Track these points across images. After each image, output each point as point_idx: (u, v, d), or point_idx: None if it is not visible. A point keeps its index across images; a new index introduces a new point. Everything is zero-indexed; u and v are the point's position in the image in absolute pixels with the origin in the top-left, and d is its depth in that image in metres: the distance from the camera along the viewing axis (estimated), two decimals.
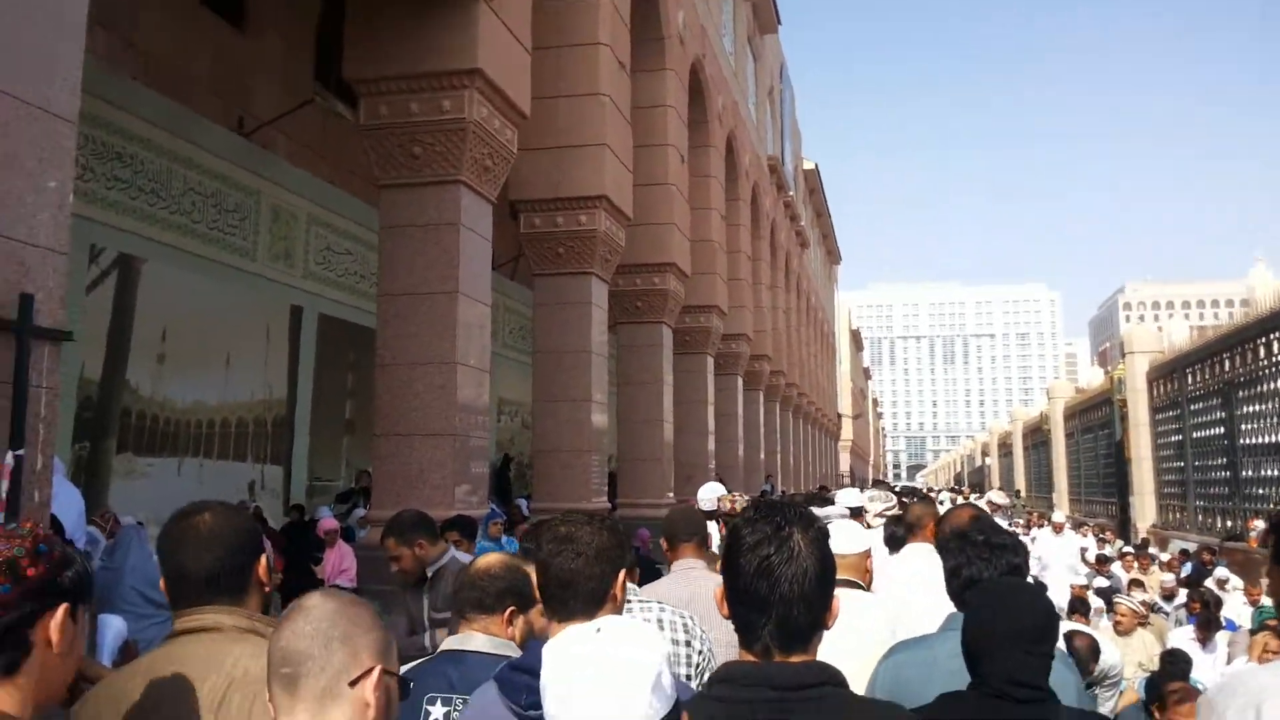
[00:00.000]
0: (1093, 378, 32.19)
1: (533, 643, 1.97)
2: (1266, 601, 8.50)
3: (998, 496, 25.95)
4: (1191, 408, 16.43)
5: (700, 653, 2.95)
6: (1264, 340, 13.00)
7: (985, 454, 55.46)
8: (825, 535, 1.66)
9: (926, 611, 3.03)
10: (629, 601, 2.80)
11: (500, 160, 7.43)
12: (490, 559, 2.64)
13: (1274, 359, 12.70)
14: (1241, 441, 14.18)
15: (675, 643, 2.93)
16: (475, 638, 2.46)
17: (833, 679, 1.58)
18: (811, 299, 36.47)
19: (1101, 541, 16.35)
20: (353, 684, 1.40)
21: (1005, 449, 44.50)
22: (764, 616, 1.58)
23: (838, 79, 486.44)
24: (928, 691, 2.17)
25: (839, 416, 53.91)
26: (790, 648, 1.58)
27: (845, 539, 3.38)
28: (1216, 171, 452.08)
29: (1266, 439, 13.46)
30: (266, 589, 1.96)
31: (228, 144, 10.81)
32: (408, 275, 6.96)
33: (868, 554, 3.56)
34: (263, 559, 1.95)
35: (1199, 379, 15.94)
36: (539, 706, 1.65)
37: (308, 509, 10.86)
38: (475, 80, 6.90)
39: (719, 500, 7.55)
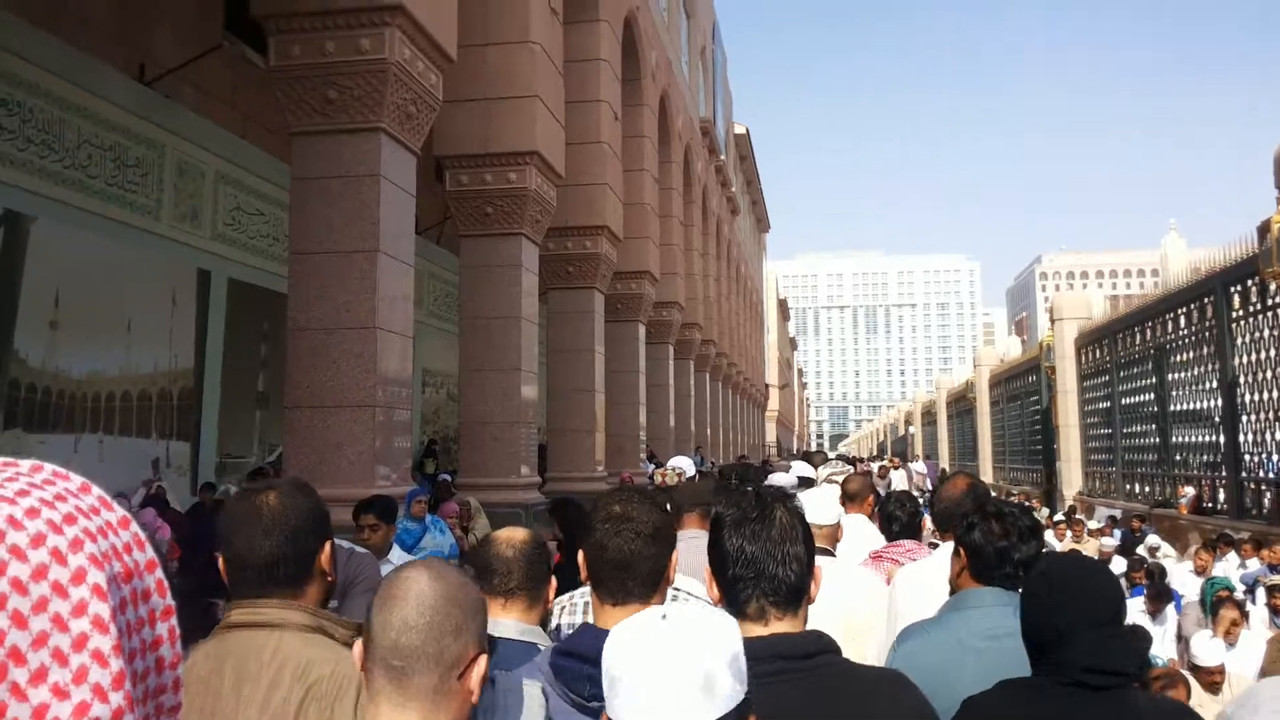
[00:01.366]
0: (1010, 346, 32.62)
1: (585, 627, 1.88)
2: (1218, 571, 8.41)
3: (919, 466, 26.08)
4: (1121, 374, 16.49)
5: None
6: (1196, 305, 12.97)
7: (909, 423, 56.16)
8: (800, 509, 1.75)
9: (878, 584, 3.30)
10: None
11: (424, 107, 6.84)
12: (516, 533, 2.42)
13: (1206, 323, 12.67)
14: (1172, 408, 14.23)
15: None
16: (506, 624, 2.26)
17: (830, 647, 1.64)
18: (741, 267, 36.23)
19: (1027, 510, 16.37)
20: (460, 676, 1.35)
21: (929, 418, 45.02)
22: (754, 573, 1.64)
23: (765, 42, 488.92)
24: (961, 679, 2.04)
25: (766, 387, 54.05)
26: (781, 607, 1.64)
27: (819, 509, 3.42)
28: (1130, 144, 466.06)
29: (1194, 405, 13.51)
30: (330, 579, 1.88)
31: (128, 94, 9.96)
32: (323, 231, 6.36)
33: (839, 525, 3.64)
34: (327, 546, 1.86)
35: (1130, 344, 15.97)
36: (602, 698, 1.65)
37: (219, 488, 10.19)
38: (397, 18, 6.30)
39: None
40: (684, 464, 7.12)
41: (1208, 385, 12.83)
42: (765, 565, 1.64)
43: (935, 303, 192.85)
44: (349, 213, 6.35)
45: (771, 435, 59.06)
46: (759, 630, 1.63)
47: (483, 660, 1.38)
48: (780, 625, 1.64)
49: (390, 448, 6.56)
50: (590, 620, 1.91)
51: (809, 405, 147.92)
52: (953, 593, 2.51)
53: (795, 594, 1.66)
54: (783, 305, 75.57)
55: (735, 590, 1.66)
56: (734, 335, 32.06)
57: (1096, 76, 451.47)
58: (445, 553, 6.74)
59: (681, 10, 22.27)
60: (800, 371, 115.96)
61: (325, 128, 6.42)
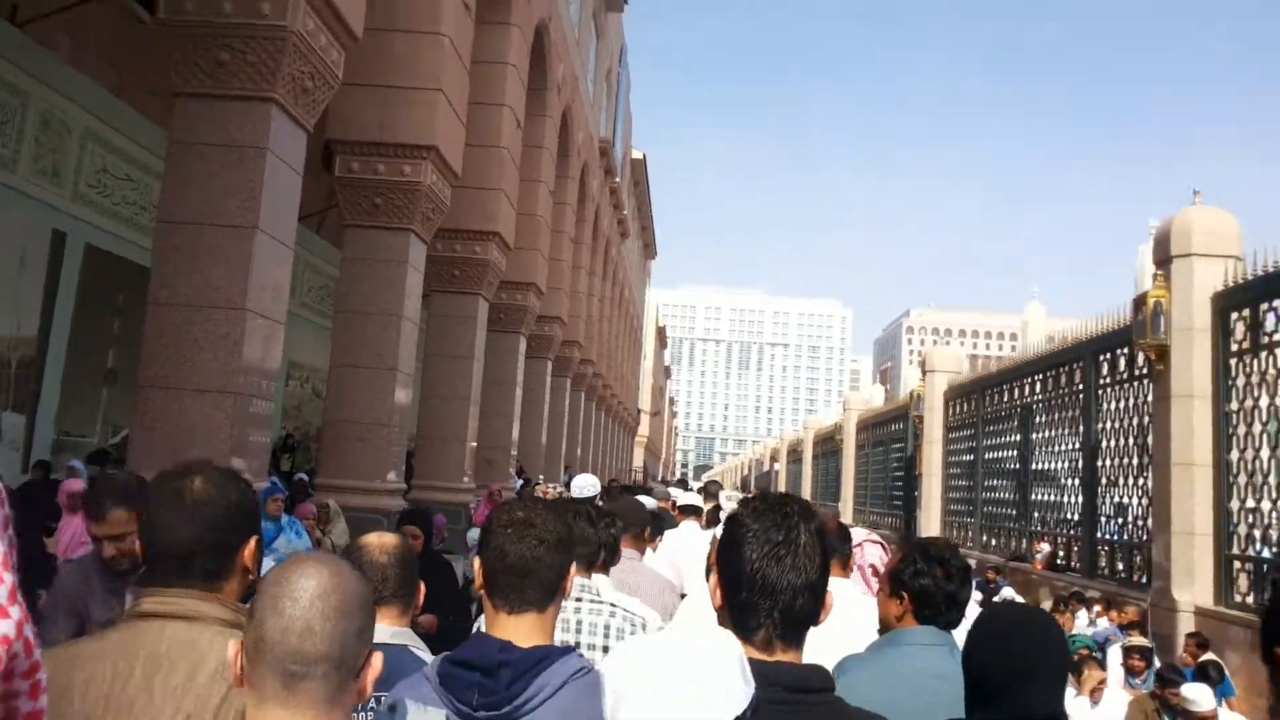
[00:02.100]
0: (874, 394, 33.49)
1: (477, 635, 1.80)
2: (1078, 628, 8.60)
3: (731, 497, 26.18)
4: (987, 429, 16.95)
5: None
6: (1066, 369, 13.41)
7: (774, 459, 57.02)
8: (823, 531, 1.68)
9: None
10: (579, 600, 2.71)
11: (321, 83, 6.45)
12: (386, 538, 2.38)
13: (1075, 387, 13.11)
14: (1034, 466, 14.66)
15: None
16: (377, 628, 2.05)
17: (830, 685, 1.61)
18: (625, 291, 36.25)
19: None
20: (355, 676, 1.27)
21: (795, 456, 45.77)
22: (770, 602, 1.59)
23: (665, 70, 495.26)
24: (897, 714, 1.90)
25: (638, 412, 54.18)
26: (790, 639, 1.61)
27: None
28: (1001, 212, 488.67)
29: (1055, 465, 13.94)
30: (251, 576, 1.75)
31: None
32: (198, 201, 5.90)
33: None
34: (252, 541, 1.76)
35: (997, 401, 16.44)
36: (493, 707, 1.63)
37: (56, 467, 9.40)
38: None
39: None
40: (589, 481, 6.88)
41: (1070, 446, 13.26)
42: (783, 597, 1.58)
43: (807, 345, 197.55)
44: (230, 184, 5.91)
45: (639, 460, 59.17)
46: (761, 656, 1.59)
47: (377, 658, 1.30)
48: (784, 656, 1.60)
49: (247, 439, 6.11)
50: (482, 630, 1.83)
51: (677, 434, 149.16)
52: (883, 631, 2.54)
53: (805, 626, 1.63)
54: (661, 333, 76.11)
55: (745, 614, 1.61)
56: (612, 358, 31.97)
57: (976, 141, 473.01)
58: None
59: (593, 29, 22.17)
60: (672, 400, 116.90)
61: (214, 91, 5.97)
